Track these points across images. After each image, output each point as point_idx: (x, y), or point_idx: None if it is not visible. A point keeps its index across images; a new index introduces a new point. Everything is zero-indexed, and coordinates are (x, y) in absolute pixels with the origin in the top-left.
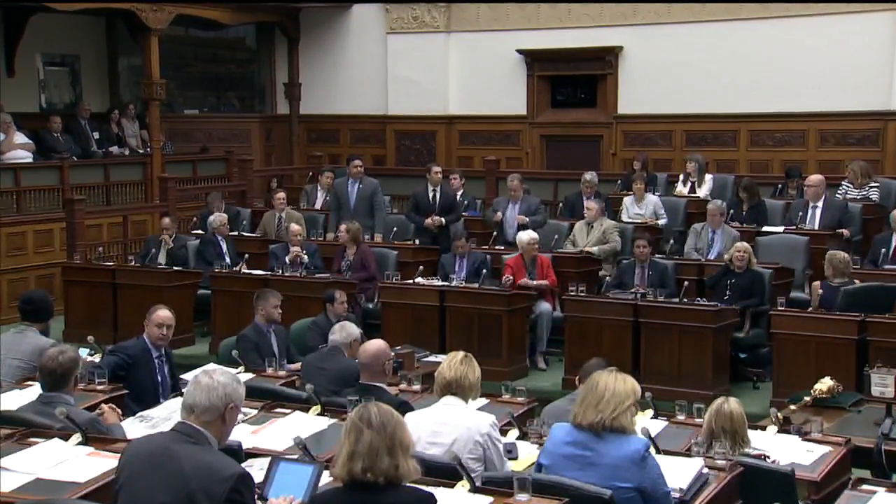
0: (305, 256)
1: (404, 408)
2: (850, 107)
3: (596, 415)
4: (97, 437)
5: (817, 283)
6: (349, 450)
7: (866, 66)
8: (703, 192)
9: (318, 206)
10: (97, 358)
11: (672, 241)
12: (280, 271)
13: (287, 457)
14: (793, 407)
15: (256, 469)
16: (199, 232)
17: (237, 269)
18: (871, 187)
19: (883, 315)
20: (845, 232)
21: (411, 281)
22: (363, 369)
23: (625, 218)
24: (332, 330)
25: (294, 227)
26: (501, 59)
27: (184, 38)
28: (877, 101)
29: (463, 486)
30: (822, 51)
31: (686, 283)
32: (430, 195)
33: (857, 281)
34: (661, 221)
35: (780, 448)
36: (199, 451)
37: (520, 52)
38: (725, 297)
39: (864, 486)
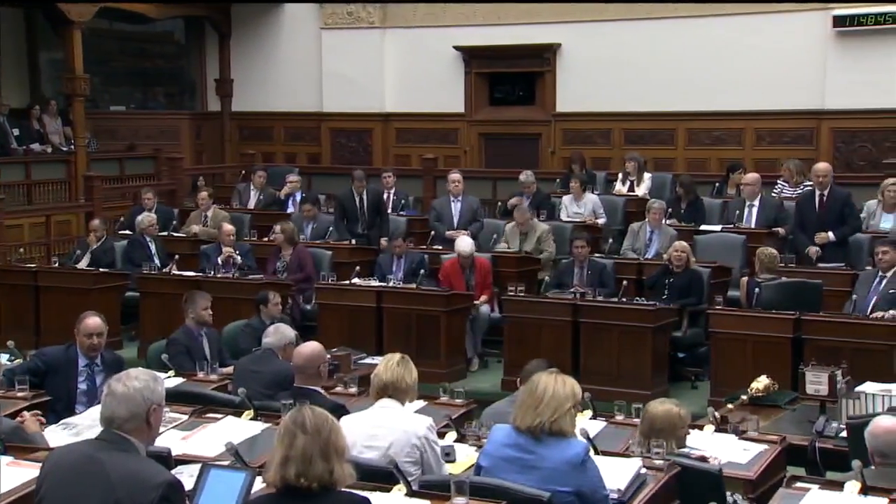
0: (238, 257)
1: (340, 411)
2: (785, 105)
3: (535, 418)
4: (18, 446)
5: (744, 279)
6: (282, 454)
7: (800, 66)
8: (642, 190)
9: (251, 205)
10: (17, 363)
11: (611, 241)
12: (212, 272)
13: (218, 463)
14: (730, 406)
15: (186, 476)
16: (127, 232)
17: (166, 270)
18: (806, 186)
19: (817, 313)
20: (781, 230)
21: (348, 282)
22: (298, 372)
23: (564, 217)
24: (265, 332)
25: (227, 226)
26: (439, 56)
27: (108, 31)
28: (811, 101)
29: (399, 490)
30: (758, 50)
31: (625, 282)
32: (357, 199)
33: (784, 278)
34: (600, 221)
35: (717, 447)
36: (125, 458)
37: (457, 48)
38: (664, 297)
39: (798, 484)
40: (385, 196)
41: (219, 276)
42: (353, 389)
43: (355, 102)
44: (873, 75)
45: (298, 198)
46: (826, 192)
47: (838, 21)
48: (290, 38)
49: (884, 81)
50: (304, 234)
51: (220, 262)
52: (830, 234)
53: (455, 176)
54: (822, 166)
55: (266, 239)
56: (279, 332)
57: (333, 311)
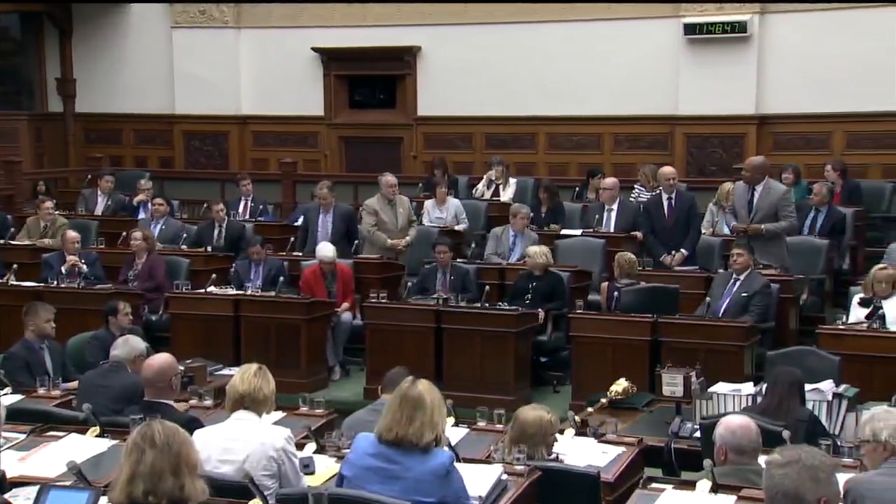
0: (84, 266)
1: (193, 425)
2: (642, 111)
3: (400, 428)
4: None
5: (605, 284)
6: (130, 472)
7: (655, 72)
8: (507, 195)
9: (98, 211)
10: None
11: (474, 245)
12: (55, 282)
13: (59, 484)
14: (590, 409)
15: (23, 499)
16: None
17: (4, 280)
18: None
19: (673, 316)
20: (638, 234)
21: (203, 290)
22: (148, 385)
23: (426, 222)
24: (114, 344)
25: (70, 234)
26: (296, 58)
27: None
28: (665, 106)
29: None
30: (615, 55)
31: (487, 287)
32: (216, 231)
33: (643, 282)
34: (462, 226)
35: (577, 451)
36: None
37: (315, 50)
38: (527, 301)
39: (654, 485)
40: (242, 204)
41: (63, 286)
42: (209, 402)
43: (210, 104)
44: (723, 82)
45: (150, 206)
46: (673, 196)
47: (689, 29)
48: (138, 37)
49: (732, 88)
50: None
51: (63, 271)
52: (683, 250)
53: (323, 192)
54: (669, 169)
55: (120, 245)
56: (128, 344)
57: (188, 320)
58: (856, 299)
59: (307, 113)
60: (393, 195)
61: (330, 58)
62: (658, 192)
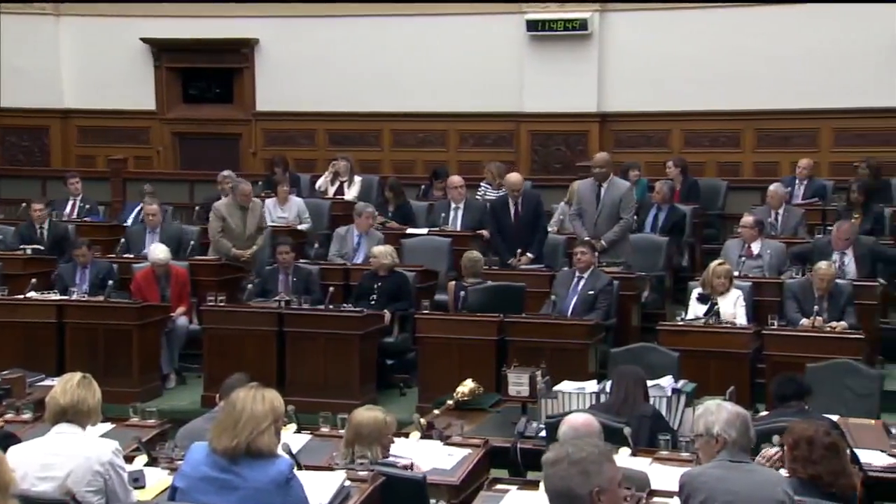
0: None
1: (9, 441)
2: (487, 108)
3: (233, 439)
4: None
5: (452, 283)
6: None
7: (500, 68)
8: (351, 193)
9: None
10: None
11: (317, 245)
12: None
13: None
14: (436, 411)
15: None
16: None
17: None
18: None
19: (519, 314)
20: (485, 233)
21: (22, 296)
22: None
23: (268, 222)
24: None
25: None
26: (124, 48)
27: None
28: (510, 103)
29: None
30: (460, 51)
31: (331, 288)
32: (38, 233)
33: (489, 281)
34: (305, 225)
35: (422, 454)
36: None
37: (145, 41)
38: (372, 302)
39: (499, 486)
40: (70, 203)
41: None
42: (27, 415)
43: (27, 97)
44: (565, 79)
45: None
46: (520, 198)
47: (531, 25)
48: None
49: (575, 85)
50: None
51: None
52: (529, 253)
53: (152, 208)
54: (515, 178)
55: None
56: None
57: (5, 328)
58: (694, 295)
59: (137, 107)
60: (247, 203)
61: (161, 49)
62: (504, 189)
